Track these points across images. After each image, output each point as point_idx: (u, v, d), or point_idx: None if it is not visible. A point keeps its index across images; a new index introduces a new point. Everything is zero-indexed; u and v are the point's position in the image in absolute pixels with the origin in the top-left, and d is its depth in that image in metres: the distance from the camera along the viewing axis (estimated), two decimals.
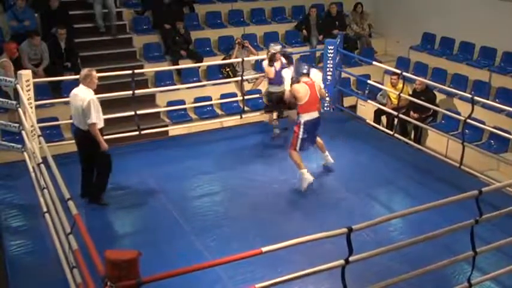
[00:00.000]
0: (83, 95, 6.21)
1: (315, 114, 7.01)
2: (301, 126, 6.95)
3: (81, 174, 6.63)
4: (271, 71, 8.22)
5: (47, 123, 8.70)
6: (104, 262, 3.48)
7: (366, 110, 10.63)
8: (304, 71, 7.00)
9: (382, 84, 11.26)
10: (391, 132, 8.89)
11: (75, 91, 6.35)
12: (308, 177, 6.99)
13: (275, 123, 8.66)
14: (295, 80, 7.08)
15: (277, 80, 8.13)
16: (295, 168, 7.61)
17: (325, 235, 4.09)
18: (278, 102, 8.27)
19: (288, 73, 7.61)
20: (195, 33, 11.83)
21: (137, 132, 8.28)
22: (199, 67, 11.16)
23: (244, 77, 9.53)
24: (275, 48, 8.23)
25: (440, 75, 11.32)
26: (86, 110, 6.14)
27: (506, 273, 5.14)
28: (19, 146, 7.41)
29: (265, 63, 8.39)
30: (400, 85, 9.13)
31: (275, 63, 8.20)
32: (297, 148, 7.04)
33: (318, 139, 7.45)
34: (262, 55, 11.57)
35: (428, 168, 7.71)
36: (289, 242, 4.02)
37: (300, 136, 6.97)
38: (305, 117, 6.95)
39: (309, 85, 6.94)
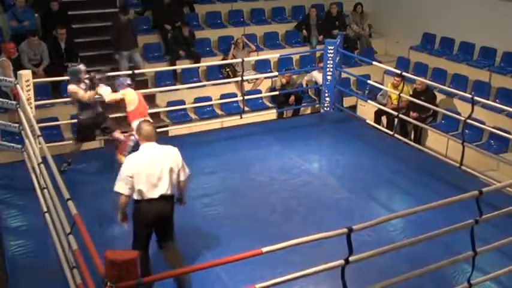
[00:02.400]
0: (170, 149, 5.03)
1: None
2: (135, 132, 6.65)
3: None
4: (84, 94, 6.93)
5: (47, 123, 8.69)
6: (104, 262, 3.49)
7: (366, 110, 10.63)
8: (129, 82, 7.04)
9: (382, 84, 11.26)
10: (391, 133, 8.89)
11: (152, 152, 4.90)
12: None
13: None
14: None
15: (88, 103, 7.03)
16: (295, 168, 7.63)
17: (325, 235, 4.09)
18: (93, 127, 7.23)
19: (104, 89, 7.01)
20: (195, 33, 11.83)
21: None
22: (198, 67, 11.17)
23: (244, 77, 9.53)
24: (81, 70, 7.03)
25: (440, 75, 11.32)
26: (183, 162, 5.08)
27: (506, 273, 5.14)
28: (19, 146, 7.41)
29: (74, 87, 6.90)
30: (401, 86, 9.14)
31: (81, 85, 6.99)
32: (125, 153, 6.82)
33: None
34: (262, 55, 11.70)
35: (428, 168, 7.71)
36: (290, 242, 4.02)
37: (132, 143, 6.84)
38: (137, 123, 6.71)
39: (136, 92, 6.99)
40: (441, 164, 7.87)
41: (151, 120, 6.77)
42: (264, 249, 3.97)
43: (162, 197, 4.81)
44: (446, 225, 4.68)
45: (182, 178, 5.03)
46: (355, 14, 13.15)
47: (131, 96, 6.91)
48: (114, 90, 7.11)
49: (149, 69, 10.56)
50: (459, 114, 9.29)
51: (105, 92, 7.08)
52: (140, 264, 4.62)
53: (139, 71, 9.89)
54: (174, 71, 11.08)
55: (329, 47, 9.40)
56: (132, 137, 6.84)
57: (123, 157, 6.78)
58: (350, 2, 13.45)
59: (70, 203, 4.52)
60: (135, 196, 4.80)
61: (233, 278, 5.17)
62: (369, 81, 10.33)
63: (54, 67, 9.93)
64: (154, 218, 4.86)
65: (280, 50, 12.13)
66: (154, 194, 4.78)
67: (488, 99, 9.18)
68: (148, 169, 4.75)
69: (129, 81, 7.13)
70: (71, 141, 7.76)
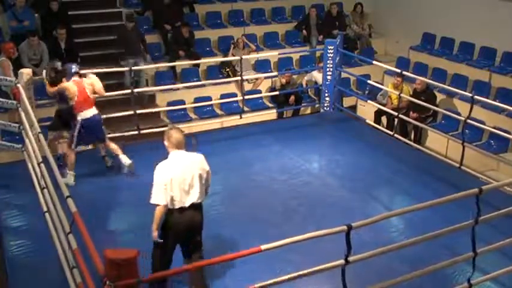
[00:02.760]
0: (197, 156, 4.87)
1: (90, 112, 6.89)
2: (78, 125, 6.85)
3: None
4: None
5: (47, 123, 8.68)
6: (103, 261, 3.48)
7: (366, 110, 10.63)
8: (75, 70, 6.95)
9: (382, 84, 11.26)
10: (391, 133, 8.89)
11: (182, 160, 4.73)
12: (70, 182, 6.88)
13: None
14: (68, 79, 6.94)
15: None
16: (295, 168, 7.63)
17: (325, 232, 4.09)
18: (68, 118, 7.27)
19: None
20: (195, 33, 11.84)
21: (137, 132, 8.28)
22: (198, 66, 11.17)
23: (244, 77, 9.53)
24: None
25: (440, 75, 11.32)
26: (209, 169, 4.93)
27: (506, 273, 5.13)
28: (19, 146, 7.41)
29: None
30: (401, 86, 9.14)
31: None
32: (73, 146, 6.94)
33: (110, 143, 7.19)
34: (262, 55, 11.69)
35: (428, 168, 7.70)
36: (289, 240, 4.02)
37: (76, 134, 6.89)
38: (82, 115, 6.84)
39: (76, 83, 6.89)
40: (441, 164, 7.87)
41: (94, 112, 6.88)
42: (263, 247, 3.97)
43: (192, 206, 4.68)
44: (446, 225, 4.67)
45: (209, 182, 4.91)
46: (355, 14, 13.14)
47: (71, 90, 6.82)
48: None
49: (150, 66, 10.56)
50: (459, 114, 9.29)
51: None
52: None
53: (138, 67, 9.87)
54: (174, 71, 11.08)
55: (329, 47, 9.40)
56: (75, 132, 6.88)
57: (71, 151, 6.95)
58: (350, 2, 13.45)
59: (69, 200, 4.51)
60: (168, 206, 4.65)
61: (233, 277, 5.17)
62: (369, 81, 10.33)
63: None
64: (185, 229, 4.69)
65: (280, 50, 12.13)
66: (186, 202, 4.65)
67: (488, 99, 9.17)
68: (180, 177, 4.61)
69: (74, 69, 6.99)
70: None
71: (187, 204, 4.65)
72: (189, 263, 4.80)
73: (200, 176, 4.72)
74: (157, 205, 4.62)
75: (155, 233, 4.69)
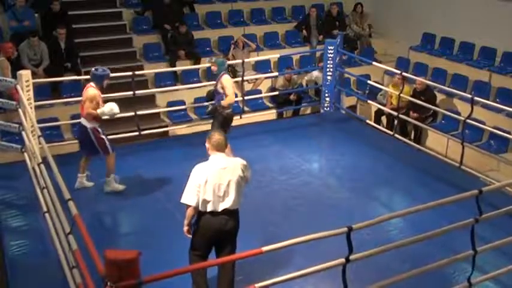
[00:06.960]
0: (239, 162, 4.80)
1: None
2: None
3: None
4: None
5: (47, 123, 8.69)
6: (104, 262, 3.48)
7: (366, 110, 10.62)
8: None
9: (382, 84, 11.25)
10: (391, 133, 8.89)
11: (220, 163, 4.63)
12: (119, 187, 6.87)
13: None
14: None
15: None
16: (295, 168, 7.63)
17: (326, 234, 4.08)
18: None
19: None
20: (195, 33, 11.84)
21: (137, 133, 8.28)
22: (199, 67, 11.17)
23: (244, 77, 9.52)
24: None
25: (440, 75, 11.32)
26: (249, 172, 4.86)
27: (506, 273, 5.14)
28: (19, 146, 7.40)
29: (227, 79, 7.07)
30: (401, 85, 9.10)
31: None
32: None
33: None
34: (262, 55, 11.69)
35: (428, 168, 7.71)
36: (290, 242, 4.02)
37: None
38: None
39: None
40: (441, 164, 7.87)
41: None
42: (264, 249, 3.97)
43: (226, 212, 4.57)
44: (446, 224, 4.68)
45: (246, 181, 4.85)
46: (355, 14, 13.14)
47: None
48: None
49: (149, 71, 10.57)
50: (459, 114, 9.29)
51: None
52: (194, 278, 4.67)
53: (140, 72, 9.88)
54: (174, 71, 11.08)
55: (329, 47, 9.40)
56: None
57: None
58: (350, 2, 13.45)
59: (70, 203, 4.51)
60: (199, 207, 4.57)
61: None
62: (369, 81, 10.33)
63: (54, 67, 9.93)
64: (215, 234, 4.59)
65: (280, 50, 12.13)
66: (219, 207, 4.55)
67: (488, 99, 9.17)
68: (216, 181, 4.52)
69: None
70: (70, 142, 7.72)
71: (219, 210, 4.56)
72: (218, 272, 4.73)
73: (237, 183, 4.62)
74: (187, 205, 4.58)
75: (185, 228, 4.69)
